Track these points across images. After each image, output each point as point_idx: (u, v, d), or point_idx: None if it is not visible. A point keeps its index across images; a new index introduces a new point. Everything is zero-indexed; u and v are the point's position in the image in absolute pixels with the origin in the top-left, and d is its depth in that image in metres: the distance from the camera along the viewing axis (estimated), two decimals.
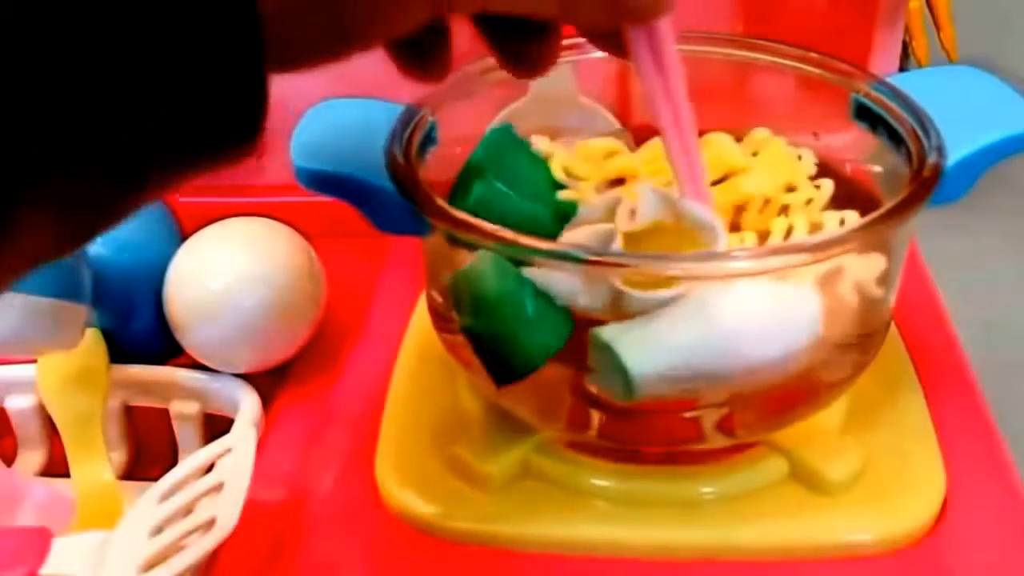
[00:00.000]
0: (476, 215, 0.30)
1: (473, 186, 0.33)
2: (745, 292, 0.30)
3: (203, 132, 0.20)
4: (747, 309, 0.30)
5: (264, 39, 0.19)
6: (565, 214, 0.33)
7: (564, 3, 0.25)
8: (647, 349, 0.30)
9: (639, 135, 0.38)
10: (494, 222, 0.30)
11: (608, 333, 0.30)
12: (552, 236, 0.32)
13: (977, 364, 0.40)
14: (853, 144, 0.37)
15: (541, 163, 0.35)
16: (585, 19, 0.27)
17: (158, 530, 0.32)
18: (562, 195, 0.34)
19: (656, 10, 0.27)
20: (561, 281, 0.30)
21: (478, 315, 0.32)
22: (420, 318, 0.42)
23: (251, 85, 0.20)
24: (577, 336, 0.31)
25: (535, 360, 0.31)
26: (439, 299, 0.35)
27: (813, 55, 0.37)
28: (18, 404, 0.44)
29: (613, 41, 0.28)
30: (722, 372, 0.30)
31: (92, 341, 0.41)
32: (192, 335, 0.41)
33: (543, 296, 0.30)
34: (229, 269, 0.40)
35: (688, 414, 0.32)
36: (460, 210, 0.30)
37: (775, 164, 0.36)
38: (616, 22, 0.27)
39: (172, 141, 0.19)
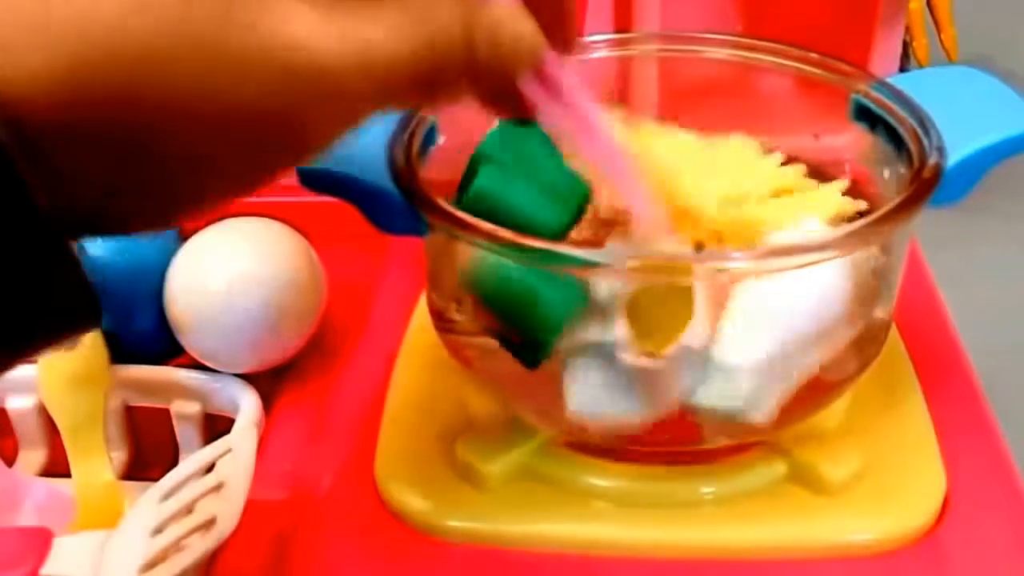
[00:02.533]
0: (481, 202, 0.30)
1: (479, 173, 0.32)
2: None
3: (27, 331, 0.20)
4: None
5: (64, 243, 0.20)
6: (580, 196, 0.32)
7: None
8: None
9: None
10: (500, 209, 0.29)
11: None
12: (562, 224, 0.31)
13: (979, 364, 0.40)
14: (853, 144, 0.37)
15: (553, 148, 0.34)
16: (485, 84, 0.26)
17: (158, 530, 0.32)
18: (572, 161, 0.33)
19: (535, 48, 0.26)
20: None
21: (495, 296, 0.31)
22: (420, 318, 0.42)
23: (66, 284, 0.20)
24: None
25: (559, 319, 0.30)
26: (439, 299, 0.35)
27: (813, 55, 0.37)
28: (18, 404, 0.44)
29: (511, 102, 0.27)
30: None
31: (93, 341, 0.41)
32: (193, 335, 0.41)
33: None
34: (229, 269, 0.40)
35: (689, 415, 0.32)
36: (467, 197, 0.30)
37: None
38: (506, 68, 0.26)
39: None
